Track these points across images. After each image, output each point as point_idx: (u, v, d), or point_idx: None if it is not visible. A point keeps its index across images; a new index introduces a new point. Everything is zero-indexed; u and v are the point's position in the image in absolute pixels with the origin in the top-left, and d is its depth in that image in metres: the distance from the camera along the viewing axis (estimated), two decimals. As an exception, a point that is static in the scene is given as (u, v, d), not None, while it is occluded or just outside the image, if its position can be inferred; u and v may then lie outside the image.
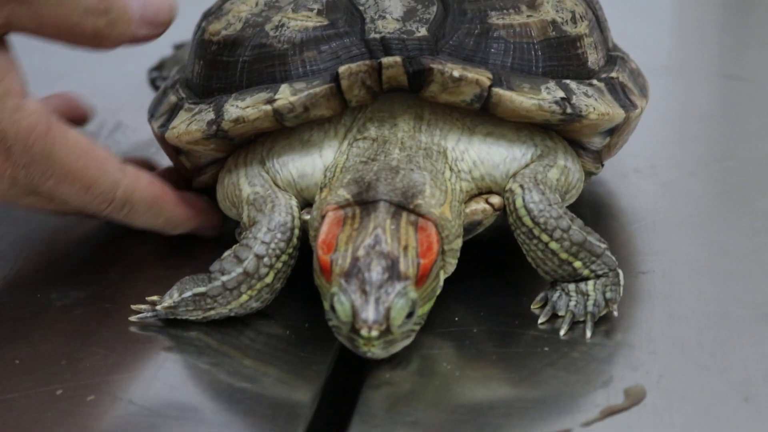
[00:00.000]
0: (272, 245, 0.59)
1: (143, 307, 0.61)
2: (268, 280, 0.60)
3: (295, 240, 0.60)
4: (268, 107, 0.61)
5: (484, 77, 0.60)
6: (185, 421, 0.54)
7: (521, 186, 0.60)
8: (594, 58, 0.65)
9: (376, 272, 0.55)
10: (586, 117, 0.62)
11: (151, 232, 0.68)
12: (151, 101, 0.71)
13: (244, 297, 0.60)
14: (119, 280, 0.65)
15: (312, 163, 0.62)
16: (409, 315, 0.55)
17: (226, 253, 0.60)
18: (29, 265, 0.68)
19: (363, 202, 0.57)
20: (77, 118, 0.78)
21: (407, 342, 0.56)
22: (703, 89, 0.96)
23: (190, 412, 0.54)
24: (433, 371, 0.57)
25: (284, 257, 0.60)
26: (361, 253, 0.55)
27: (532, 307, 0.61)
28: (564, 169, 0.63)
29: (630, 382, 0.55)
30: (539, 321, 0.60)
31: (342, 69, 0.60)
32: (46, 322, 0.62)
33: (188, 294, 0.60)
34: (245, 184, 0.63)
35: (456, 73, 0.60)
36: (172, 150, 0.65)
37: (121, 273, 0.66)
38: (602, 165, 0.67)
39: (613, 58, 0.68)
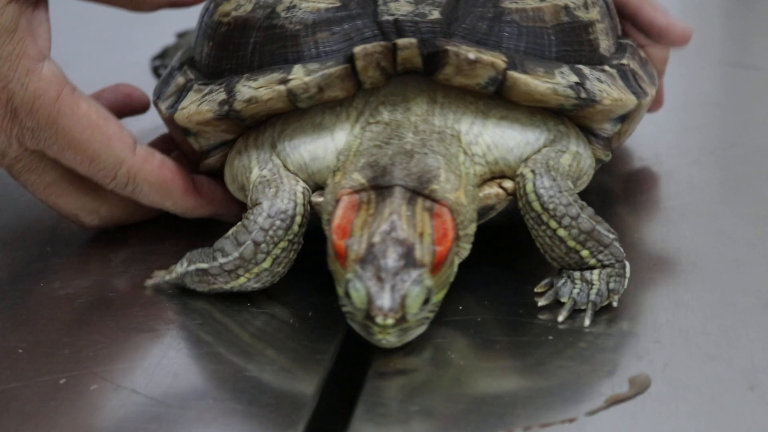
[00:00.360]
0: (270, 232, 0.59)
1: (156, 277, 0.62)
2: (266, 265, 0.60)
3: (295, 227, 0.60)
4: (282, 87, 0.60)
5: (499, 60, 0.60)
6: (189, 410, 0.54)
7: (533, 171, 0.60)
8: (605, 44, 0.65)
9: (392, 259, 0.54)
10: (600, 102, 0.62)
11: (155, 222, 0.68)
12: (157, 83, 0.70)
13: (242, 279, 0.60)
14: (122, 270, 0.65)
15: (324, 145, 0.62)
16: (425, 302, 0.55)
17: (229, 231, 0.60)
18: (32, 254, 0.68)
19: (378, 187, 0.57)
20: (138, 106, 0.78)
21: (422, 330, 0.56)
22: (708, 77, 0.96)
23: (193, 401, 0.54)
24: (437, 360, 0.57)
25: (283, 244, 0.59)
26: (376, 239, 0.55)
27: (536, 289, 0.61)
28: (576, 155, 0.63)
29: (635, 371, 0.55)
30: (539, 303, 0.60)
31: (357, 49, 0.59)
32: (49, 311, 0.62)
33: (192, 268, 0.61)
34: (255, 167, 0.62)
35: (471, 56, 0.59)
36: (181, 131, 0.65)
37: (125, 262, 0.66)
38: (611, 152, 0.67)
39: (623, 45, 0.68)
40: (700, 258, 0.66)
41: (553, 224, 0.59)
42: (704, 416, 0.53)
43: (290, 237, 0.60)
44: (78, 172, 0.64)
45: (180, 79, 0.67)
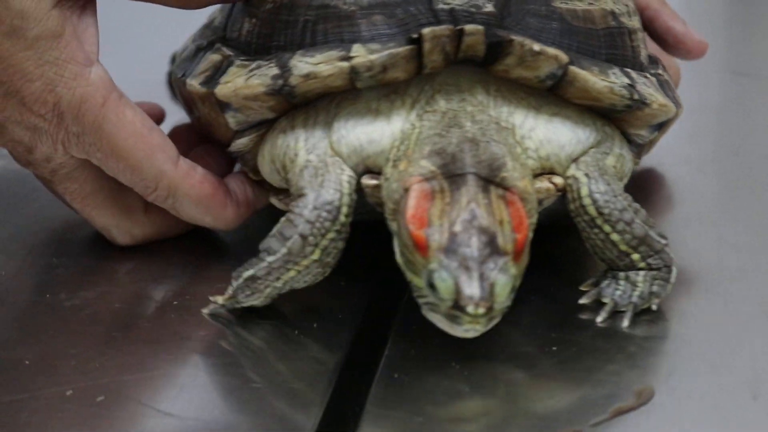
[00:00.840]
0: (317, 224, 0.59)
1: (210, 307, 0.61)
2: (315, 257, 0.59)
3: (342, 217, 0.59)
4: (345, 64, 0.60)
5: (562, 54, 0.60)
6: (195, 421, 0.54)
7: (587, 174, 0.60)
8: (644, 53, 0.66)
9: (477, 248, 0.54)
10: (649, 105, 0.62)
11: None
12: (176, 63, 0.70)
13: (292, 272, 0.59)
14: (128, 281, 0.66)
15: (380, 129, 0.61)
16: (511, 291, 0.54)
17: (274, 229, 0.59)
18: (38, 265, 0.68)
19: (450, 175, 0.56)
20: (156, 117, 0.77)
21: (498, 320, 0.55)
22: (710, 85, 0.96)
23: (199, 413, 0.54)
24: (440, 368, 0.57)
25: (331, 235, 0.59)
26: (458, 228, 0.54)
27: (581, 287, 0.61)
28: (620, 157, 0.63)
29: (638, 382, 0.55)
30: (580, 301, 0.61)
31: (426, 31, 0.59)
32: (55, 322, 0.62)
33: (240, 280, 0.60)
34: (302, 150, 0.62)
35: (536, 47, 0.59)
36: (217, 107, 0.64)
37: (131, 273, 0.66)
38: (639, 161, 0.67)
39: (653, 58, 0.68)
40: (702, 266, 0.66)
41: (607, 228, 0.60)
42: (708, 426, 0.53)
43: (337, 227, 0.59)
44: (120, 180, 0.64)
45: (214, 56, 0.66)
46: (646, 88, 0.63)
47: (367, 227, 0.61)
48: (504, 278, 0.54)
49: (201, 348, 0.59)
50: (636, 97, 0.62)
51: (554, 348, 0.58)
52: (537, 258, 0.60)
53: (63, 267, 0.67)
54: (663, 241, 0.60)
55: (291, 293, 0.61)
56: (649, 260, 0.60)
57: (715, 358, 0.57)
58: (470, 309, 0.53)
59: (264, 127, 0.64)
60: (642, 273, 0.60)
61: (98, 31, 0.63)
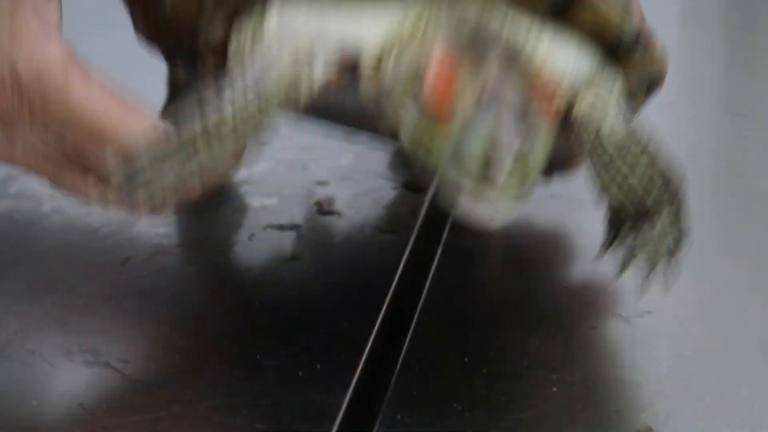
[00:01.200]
0: (246, 107, 0.54)
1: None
2: (229, 142, 0.54)
3: (271, 108, 0.54)
4: None
5: None
6: (200, 462, 0.54)
7: (605, 111, 0.57)
8: None
9: (508, 116, 0.51)
10: (651, 50, 0.60)
11: (166, 289, 0.68)
12: None
13: (202, 155, 0.54)
14: (134, 321, 0.65)
15: (374, 17, 0.56)
16: (540, 165, 0.51)
17: (194, 96, 0.54)
18: (44, 305, 0.68)
19: (476, 44, 0.53)
20: None
21: (522, 203, 0.51)
22: (708, 126, 0.96)
23: (205, 454, 0.55)
24: (443, 409, 0.57)
25: (253, 122, 0.54)
26: (487, 96, 0.51)
27: (596, 255, 0.61)
28: (621, 91, 0.60)
29: (637, 423, 0.56)
30: (594, 258, 0.60)
31: None
32: (65, 364, 0.62)
33: (150, 160, 0.54)
34: (275, 15, 0.57)
35: None
36: None
37: (136, 313, 0.66)
38: None
39: None
40: (700, 307, 0.66)
41: (625, 170, 0.57)
42: (706, 467, 0.53)
43: (263, 119, 0.54)
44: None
45: None
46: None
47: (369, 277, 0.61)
48: (534, 148, 0.51)
49: (205, 389, 0.59)
50: (641, 36, 0.60)
51: (554, 389, 0.58)
52: (535, 299, 0.61)
53: (68, 306, 0.68)
54: (679, 179, 0.58)
55: (295, 334, 0.61)
56: (664, 203, 0.58)
57: (713, 400, 0.58)
58: (500, 178, 0.50)
59: (237, 14, 0.59)
60: (657, 224, 0.59)
61: (61, 11, 0.60)
